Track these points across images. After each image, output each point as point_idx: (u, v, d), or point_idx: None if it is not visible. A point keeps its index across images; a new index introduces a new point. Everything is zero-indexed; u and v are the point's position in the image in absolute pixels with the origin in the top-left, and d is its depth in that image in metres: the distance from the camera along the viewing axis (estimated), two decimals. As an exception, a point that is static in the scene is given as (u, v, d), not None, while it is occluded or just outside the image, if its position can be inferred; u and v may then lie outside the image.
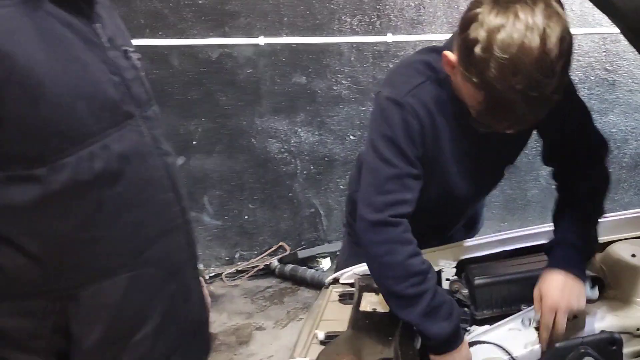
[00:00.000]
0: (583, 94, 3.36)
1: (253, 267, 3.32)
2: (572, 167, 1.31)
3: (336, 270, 1.62)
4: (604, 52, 3.30)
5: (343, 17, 3.04)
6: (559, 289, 1.16)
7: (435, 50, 1.16)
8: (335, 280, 1.54)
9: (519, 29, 0.89)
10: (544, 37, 0.89)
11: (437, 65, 1.12)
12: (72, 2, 0.72)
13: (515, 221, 3.51)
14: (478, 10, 0.93)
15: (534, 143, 2.99)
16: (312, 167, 3.33)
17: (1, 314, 0.71)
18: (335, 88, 3.16)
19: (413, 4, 3.05)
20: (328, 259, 3.32)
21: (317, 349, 1.20)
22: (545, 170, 3.43)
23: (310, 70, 3.12)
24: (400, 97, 1.13)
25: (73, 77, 0.69)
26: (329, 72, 3.13)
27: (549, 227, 1.43)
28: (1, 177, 0.66)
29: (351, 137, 3.30)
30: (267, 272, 3.32)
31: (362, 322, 1.28)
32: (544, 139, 1.33)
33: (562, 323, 1.15)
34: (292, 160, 3.30)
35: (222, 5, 2.92)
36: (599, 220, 1.30)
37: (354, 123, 3.27)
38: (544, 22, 0.90)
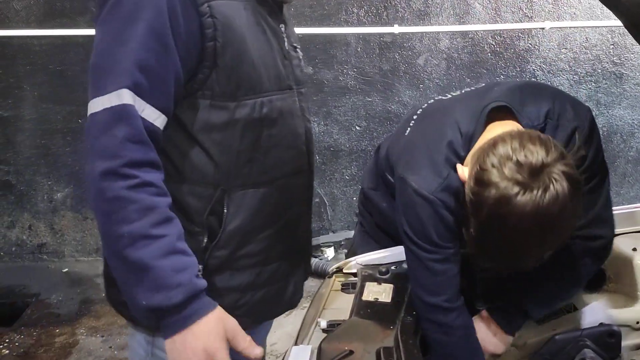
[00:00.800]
0: (590, 87, 3.35)
1: (258, 256, 3.35)
2: None
3: (347, 256, 1.63)
4: (612, 45, 3.28)
5: (350, 8, 3.03)
6: (484, 332, 1.26)
7: (459, 130, 1.15)
8: (339, 270, 1.56)
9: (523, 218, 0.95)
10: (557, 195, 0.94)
11: (459, 149, 1.13)
12: (271, 7, 1.08)
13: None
14: (493, 180, 0.97)
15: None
16: (317, 157, 3.35)
17: (183, 192, 1.01)
18: (341, 78, 3.17)
19: (420, -5, 3.04)
20: (332, 249, 3.34)
21: (320, 336, 1.22)
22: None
23: (317, 60, 3.12)
24: (431, 193, 1.13)
25: (264, 52, 1.03)
26: (335, 63, 3.13)
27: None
28: (208, 104, 0.99)
29: (357, 127, 3.31)
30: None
31: (364, 311, 1.30)
32: None
33: None
34: (298, 150, 3.32)
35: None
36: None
37: (359, 114, 3.28)
38: (555, 180, 0.94)
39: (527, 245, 1.00)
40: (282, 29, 1.11)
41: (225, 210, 1.04)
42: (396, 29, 3.02)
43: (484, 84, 1.39)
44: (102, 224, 0.90)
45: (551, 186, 0.94)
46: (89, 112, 0.91)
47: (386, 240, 1.56)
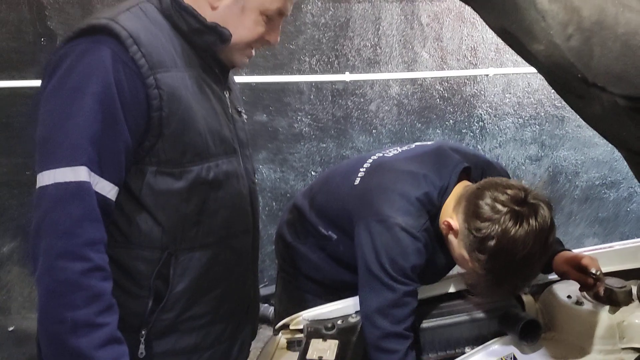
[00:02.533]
0: (534, 129, 3.50)
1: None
2: None
3: (275, 316, 1.63)
4: (552, 90, 3.45)
5: (302, 57, 3.11)
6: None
7: (433, 184, 1.35)
8: (285, 326, 1.54)
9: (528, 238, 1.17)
10: (544, 246, 1.20)
11: (434, 199, 1.34)
12: (216, 75, 1.14)
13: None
14: (494, 215, 1.20)
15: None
16: (274, 204, 3.35)
17: (130, 257, 1.02)
18: (296, 125, 3.21)
19: (369, 44, 3.14)
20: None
21: (262, 399, 1.20)
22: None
23: (271, 108, 3.16)
24: (417, 231, 1.30)
25: (209, 119, 1.08)
26: (289, 110, 3.18)
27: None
28: (154, 170, 1.01)
29: (312, 173, 3.34)
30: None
31: (308, 371, 1.29)
32: None
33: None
34: (254, 196, 3.31)
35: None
36: None
37: (314, 159, 3.31)
38: (546, 232, 1.19)
39: (534, 262, 1.20)
40: (227, 95, 1.16)
41: (171, 273, 1.06)
42: (347, 76, 3.10)
43: (415, 145, 1.56)
44: (45, 302, 0.89)
45: (539, 209, 1.19)
46: (38, 184, 0.91)
47: (319, 290, 1.57)
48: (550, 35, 1.07)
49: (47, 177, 0.90)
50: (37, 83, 2.81)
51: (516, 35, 1.18)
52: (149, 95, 0.97)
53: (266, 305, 3.17)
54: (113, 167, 0.95)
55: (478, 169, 1.43)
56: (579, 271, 1.35)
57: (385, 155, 1.49)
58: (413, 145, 1.54)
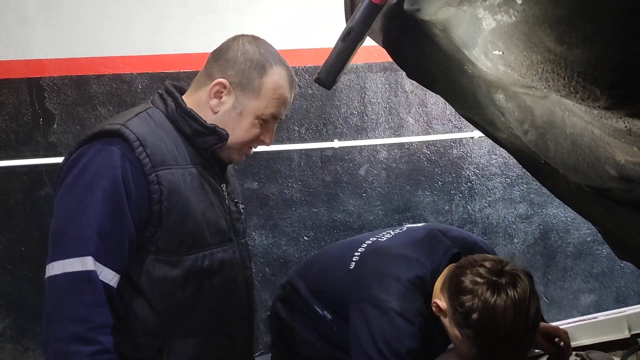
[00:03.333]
0: (522, 188, 3.55)
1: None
2: None
3: None
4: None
5: (292, 126, 3.21)
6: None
7: (425, 267, 1.39)
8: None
9: (508, 307, 1.19)
10: (527, 316, 1.21)
11: (427, 281, 1.37)
12: (214, 170, 1.24)
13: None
14: (474, 287, 1.23)
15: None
16: (267, 269, 3.36)
17: (125, 342, 1.06)
18: (286, 192, 3.27)
19: (356, 112, 3.25)
20: None
21: None
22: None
23: (261, 175, 3.23)
24: (412, 315, 1.34)
25: (206, 211, 1.18)
26: (280, 177, 3.25)
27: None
28: (152, 259, 1.09)
29: (305, 237, 3.37)
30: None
31: None
32: None
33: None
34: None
35: (175, 119, 3.05)
36: None
37: (306, 224, 3.35)
38: (527, 301, 1.21)
39: (520, 333, 1.20)
40: (224, 188, 1.27)
41: (164, 358, 1.08)
42: (336, 143, 3.19)
43: (406, 228, 1.63)
44: None
45: (517, 279, 1.23)
46: (47, 274, 1.00)
47: None
48: (511, 127, 1.14)
49: (57, 268, 0.99)
50: (33, 162, 2.89)
51: (481, 125, 1.26)
52: (150, 190, 1.09)
53: (261, 375, 3.13)
54: (117, 256, 1.04)
55: (466, 252, 1.47)
56: (548, 342, 1.38)
57: (379, 239, 1.54)
58: (405, 228, 1.61)
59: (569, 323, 1.62)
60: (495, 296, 1.20)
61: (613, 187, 0.87)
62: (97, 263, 0.99)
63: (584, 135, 0.92)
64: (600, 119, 0.81)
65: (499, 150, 3.49)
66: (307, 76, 3.12)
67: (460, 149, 3.43)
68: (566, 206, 3.67)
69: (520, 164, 1.38)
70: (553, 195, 3.66)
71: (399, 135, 3.32)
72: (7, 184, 2.92)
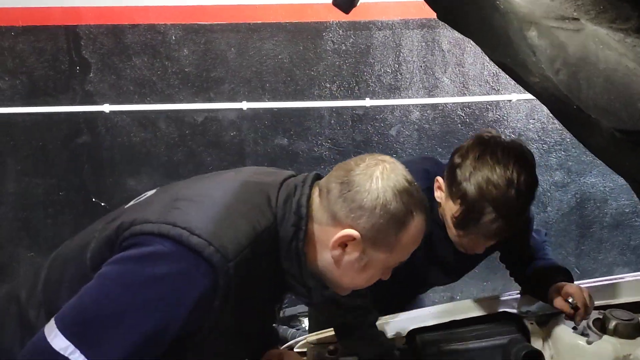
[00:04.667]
0: (560, 155, 3.44)
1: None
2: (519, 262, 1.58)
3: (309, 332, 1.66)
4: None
5: (323, 83, 3.17)
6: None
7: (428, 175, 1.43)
8: (289, 349, 1.57)
9: (492, 161, 1.22)
10: (511, 171, 1.21)
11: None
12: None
13: (498, 280, 3.52)
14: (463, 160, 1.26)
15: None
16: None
17: None
18: (316, 149, 3.26)
19: (390, 71, 3.18)
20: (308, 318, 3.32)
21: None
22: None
23: (291, 132, 3.23)
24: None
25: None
26: (310, 135, 3.24)
27: (494, 298, 1.49)
28: None
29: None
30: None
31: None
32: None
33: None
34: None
35: (208, 72, 3.06)
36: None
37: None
38: (512, 162, 1.22)
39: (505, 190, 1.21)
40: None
41: None
42: (368, 102, 3.14)
43: None
44: None
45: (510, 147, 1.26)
46: (47, 337, 0.83)
47: None
48: (542, 69, 1.09)
49: (58, 343, 0.83)
50: (70, 109, 2.95)
51: (513, 69, 1.21)
52: None
53: (284, 327, 3.20)
54: None
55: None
56: (565, 300, 1.36)
57: None
58: None
59: (595, 282, 1.58)
60: (485, 155, 1.24)
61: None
62: None
63: (617, 70, 0.87)
64: (634, 47, 0.76)
65: (537, 114, 3.38)
66: (340, 31, 3.06)
67: (496, 112, 3.33)
68: (605, 175, 3.56)
69: (552, 113, 1.31)
70: (592, 164, 3.54)
71: (433, 96, 3.24)
72: (45, 131, 3.02)
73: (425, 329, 1.50)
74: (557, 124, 3.39)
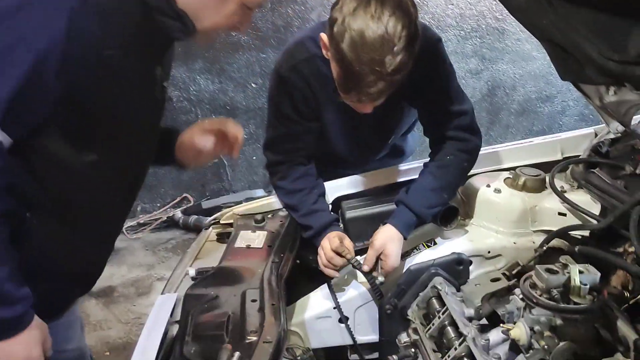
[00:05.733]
0: (475, 42, 3.51)
1: (155, 220, 3.27)
2: (440, 135, 1.42)
3: None
4: (494, 1, 3.44)
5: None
6: (387, 239, 1.32)
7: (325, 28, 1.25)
8: (216, 221, 1.56)
9: (367, 16, 1.08)
10: (386, 26, 1.08)
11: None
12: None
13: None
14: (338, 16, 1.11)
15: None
16: (213, 116, 3.28)
17: None
18: (233, 34, 3.09)
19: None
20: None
21: (188, 285, 1.22)
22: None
23: (206, 15, 3.02)
24: (284, 72, 1.34)
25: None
26: (226, 18, 3.05)
27: (417, 164, 1.53)
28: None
29: (252, 85, 3.27)
30: (171, 224, 3.29)
31: (235, 258, 1.31)
32: (418, 110, 1.50)
33: (389, 264, 1.30)
34: (192, 108, 3.23)
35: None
36: (454, 184, 1.43)
37: (254, 70, 3.23)
38: (388, 15, 1.08)
39: (378, 56, 1.09)
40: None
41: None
42: (287, -17, 2.98)
43: None
44: None
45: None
46: None
47: None
48: None
49: None
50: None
51: None
52: None
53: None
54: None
55: None
56: None
57: None
58: None
59: (506, 146, 1.67)
60: (359, 9, 1.09)
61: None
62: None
63: None
64: None
65: (456, 0, 3.38)
66: None
67: (416, -4, 3.28)
68: (516, 62, 3.69)
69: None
70: (505, 51, 3.62)
71: (354, -23, 3.12)
72: None
73: (350, 196, 1.53)
74: (475, 10, 3.42)
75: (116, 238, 1.23)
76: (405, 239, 1.34)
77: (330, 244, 1.31)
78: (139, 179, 1.18)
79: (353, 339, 1.33)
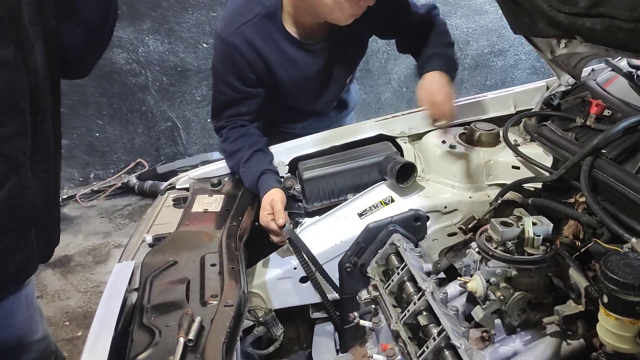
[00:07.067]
0: (429, -4, 3.47)
1: (110, 186, 3.18)
2: (418, 39, 1.50)
3: None
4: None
5: None
6: (441, 84, 1.38)
7: None
8: (171, 186, 1.52)
9: None
10: None
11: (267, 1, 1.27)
12: None
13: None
14: None
15: (385, 47, 3.07)
16: (164, 78, 3.17)
17: None
18: (181, -9, 2.96)
19: None
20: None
21: (145, 252, 1.19)
22: (397, 74, 3.58)
23: (151, -29, 2.87)
24: (227, 36, 1.32)
25: None
26: (173, -26, 2.91)
27: (372, 122, 1.53)
28: None
29: (204, 44, 3.16)
30: (126, 190, 3.21)
31: (192, 222, 1.29)
32: (390, 36, 1.58)
33: (450, 106, 1.36)
34: (142, 71, 3.11)
35: None
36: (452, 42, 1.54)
37: (205, 30, 3.11)
38: None
39: None
40: None
41: None
42: None
43: None
44: None
45: None
46: None
47: None
48: None
49: None
50: None
51: None
52: None
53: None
54: None
55: None
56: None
57: None
58: None
59: (461, 101, 1.68)
60: None
61: None
62: None
63: None
64: None
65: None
66: None
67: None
68: (469, 16, 3.69)
69: None
70: (457, 5, 3.61)
71: None
72: None
73: (306, 157, 1.52)
74: (428, -36, 3.37)
75: None
76: (452, 79, 1.40)
77: (262, 211, 1.27)
78: None
79: (322, 294, 1.31)
